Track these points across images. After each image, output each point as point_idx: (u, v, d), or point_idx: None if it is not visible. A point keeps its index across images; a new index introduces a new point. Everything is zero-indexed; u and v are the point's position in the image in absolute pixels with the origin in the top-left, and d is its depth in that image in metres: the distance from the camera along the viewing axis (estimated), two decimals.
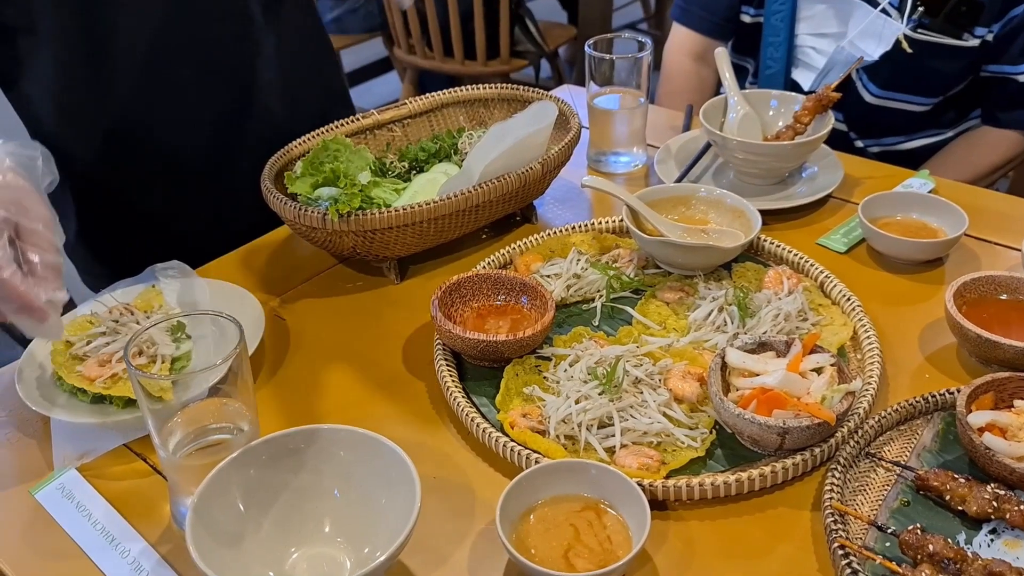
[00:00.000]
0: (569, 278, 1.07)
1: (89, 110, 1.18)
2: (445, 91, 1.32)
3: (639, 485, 0.77)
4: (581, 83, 1.39)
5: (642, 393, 0.89)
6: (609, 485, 0.78)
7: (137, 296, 1.04)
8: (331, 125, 1.23)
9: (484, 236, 1.19)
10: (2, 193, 0.80)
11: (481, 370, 0.96)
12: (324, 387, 0.97)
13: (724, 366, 0.88)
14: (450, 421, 0.91)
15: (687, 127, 1.45)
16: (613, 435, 0.85)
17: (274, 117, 1.27)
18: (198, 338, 0.98)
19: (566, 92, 1.57)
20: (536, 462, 0.82)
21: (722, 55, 1.34)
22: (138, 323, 0.98)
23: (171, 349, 0.93)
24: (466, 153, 1.24)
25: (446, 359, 0.95)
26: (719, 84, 1.73)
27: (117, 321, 0.97)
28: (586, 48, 1.29)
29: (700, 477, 0.81)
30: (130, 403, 0.89)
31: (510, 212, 1.18)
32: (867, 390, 0.88)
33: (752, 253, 1.11)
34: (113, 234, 1.32)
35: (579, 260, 1.09)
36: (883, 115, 1.55)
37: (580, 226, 1.16)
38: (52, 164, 0.88)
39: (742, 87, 1.72)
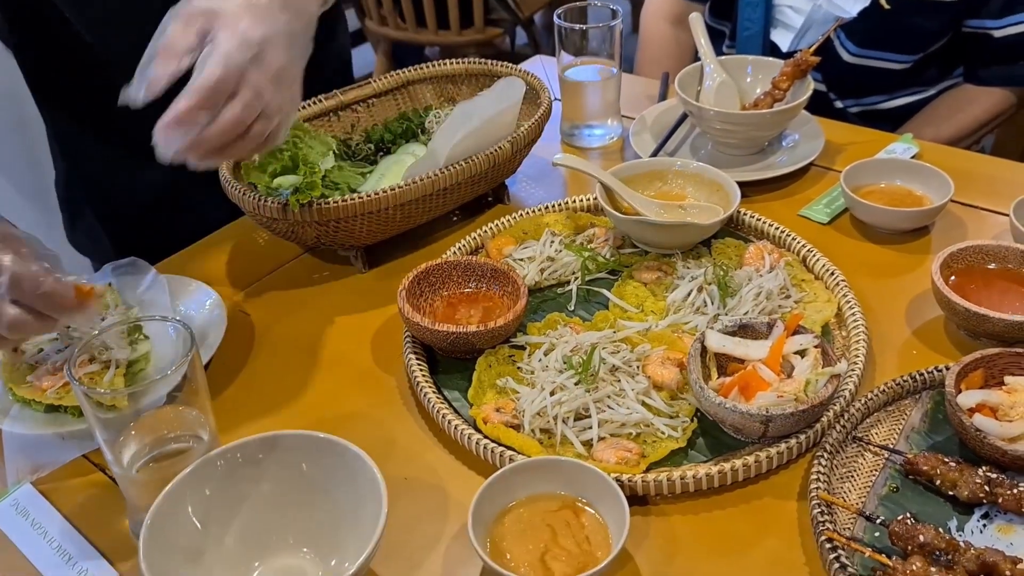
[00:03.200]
0: (543, 261, 1.03)
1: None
2: (411, 68, 1.27)
3: (617, 481, 0.74)
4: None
5: (619, 381, 0.86)
6: (586, 482, 0.75)
7: None
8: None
9: (455, 219, 1.15)
10: None
11: (453, 362, 0.92)
12: (290, 385, 0.93)
13: (704, 351, 0.84)
14: (421, 417, 0.88)
15: (663, 96, 1.41)
16: (590, 427, 0.82)
17: None
18: (157, 336, 0.94)
19: (538, 64, 1.53)
20: (511, 459, 0.79)
21: (696, 20, 1.29)
22: (92, 327, 0.93)
23: (126, 353, 0.89)
24: (433, 133, 1.19)
25: (415, 352, 0.92)
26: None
27: (69, 327, 0.93)
28: (555, 18, 1.23)
29: (681, 470, 0.77)
30: None
31: (481, 194, 1.14)
32: (853, 371, 0.84)
33: (732, 228, 1.07)
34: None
35: (553, 242, 1.05)
36: (862, 74, 1.51)
37: (553, 206, 1.12)
38: None
39: (719, 52, 1.68)
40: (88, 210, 1.33)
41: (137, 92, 0.76)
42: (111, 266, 1.03)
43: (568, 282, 1.02)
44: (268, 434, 0.74)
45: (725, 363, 0.85)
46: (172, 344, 0.87)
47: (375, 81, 1.26)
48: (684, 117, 1.28)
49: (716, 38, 1.72)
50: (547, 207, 1.11)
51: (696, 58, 1.67)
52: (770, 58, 1.27)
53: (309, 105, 1.20)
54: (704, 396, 0.79)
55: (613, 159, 1.27)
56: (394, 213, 1.01)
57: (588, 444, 0.82)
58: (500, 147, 1.06)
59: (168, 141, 0.75)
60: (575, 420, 0.83)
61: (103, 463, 0.85)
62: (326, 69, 1.29)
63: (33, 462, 0.85)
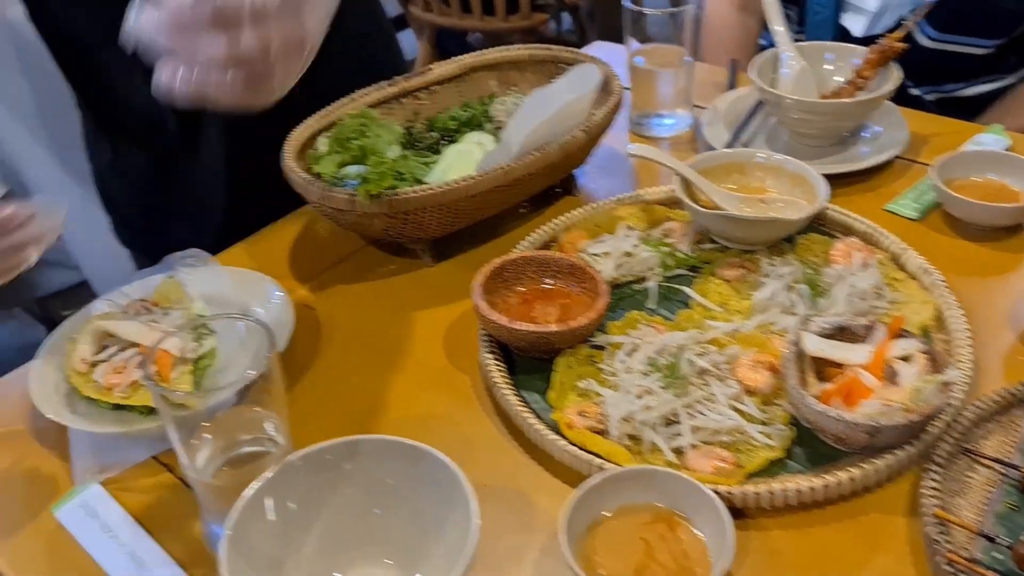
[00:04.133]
0: (620, 256, 0.98)
1: None
2: (473, 54, 1.23)
3: (715, 492, 0.70)
4: (603, 37, 1.30)
5: (709, 386, 0.81)
6: (682, 493, 0.71)
7: (155, 289, 0.96)
8: (354, 95, 1.14)
9: (522, 211, 1.11)
10: None
11: (530, 361, 0.89)
12: (360, 384, 0.89)
13: (800, 354, 0.80)
14: (499, 420, 0.84)
15: (732, 84, 1.35)
16: (680, 434, 0.78)
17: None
18: (223, 330, 0.91)
19: (598, 49, 1.48)
20: (599, 467, 0.75)
21: (772, 4, 1.23)
22: (156, 322, 0.90)
23: (192, 349, 0.86)
24: (500, 121, 1.15)
25: (492, 351, 0.88)
26: (761, 35, 1.63)
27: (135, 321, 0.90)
28: (625, 2, 1.19)
29: (781, 481, 0.73)
30: (153, 410, 0.83)
31: (550, 185, 1.10)
32: (961, 379, 0.79)
33: (816, 223, 1.02)
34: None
35: (629, 236, 1.00)
36: (941, 60, 1.44)
37: (627, 198, 1.07)
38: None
39: None
40: (131, 200, 1.31)
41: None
42: (173, 257, 1.00)
43: (645, 278, 0.98)
44: (349, 439, 0.71)
45: (822, 367, 0.80)
46: (239, 339, 0.84)
47: (437, 67, 1.22)
48: (759, 106, 1.22)
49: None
50: (620, 199, 1.07)
51: (760, 45, 1.63)
52: (851, 44, 1.21)
53: (372, 91, 1.16)
54: (804, 403, 0.75)
55: (683, 149, 1.23)
56: (466, 205, 0.98)
57: (678, 452, 0.77)
58: (574, 136, 1.02)
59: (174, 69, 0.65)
60: (663, 426, 0.79)
61: (171, 462, 0.82)
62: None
63: (101, 462, 0.82)
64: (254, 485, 0.67)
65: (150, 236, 1.31)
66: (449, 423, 0.84)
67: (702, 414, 0.79)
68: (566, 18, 3.50)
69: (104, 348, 0.88)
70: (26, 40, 1.53)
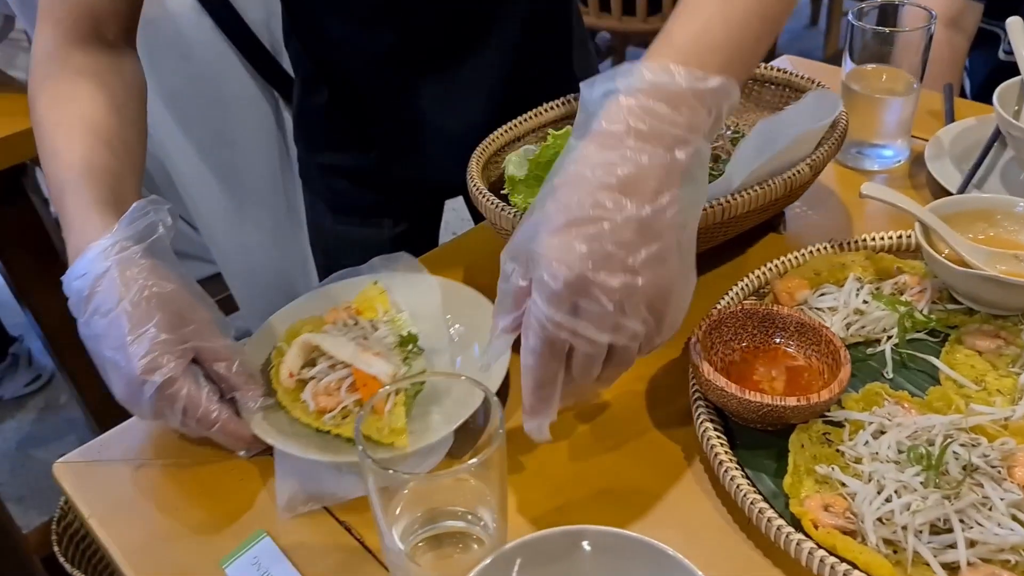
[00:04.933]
0: (848, 314, 0.86)
1: None
2: None
3: None
4: None
5: (982, 487, 0.68)
6: None
7: (358, 295, 0.88)
8: (544, 107, 1.04)
9: (723, 249, 0.99)
10: (161, 319, 0.71)
11: (752, 433, 0.77)
12: (558, 443, 0.79)
13: None
14: (720, 501, 0.73)
15: (950, 113, 1.20)
16: (952, 545, 0.65)
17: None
18: (432, 352, 0.82)
19: (784, 63, 1.34)
20: None
21: (1017, 25, 1.08)
22: (366, 338, 0.82)
23: (404, 376, 0.77)
24: (715, 147, 1.03)
25: (711, 420, 0.76)
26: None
27: (340, 332, 0.82)
28: (850, 17, 1.05)
29: None
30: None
31: (761, 222, 0.98)
32: None
33: None
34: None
35: (859, 291, 0.88)
36: None
37: (851, 243, 0.94)
38: (165, 212, 0.77)
39: (994, 60, 1.46)
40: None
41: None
42: (380, 260, 0.92)
43: (877, 341, 0.85)
44: (575, 528, 0.60)
45: None
46: (451, 357, 0.75)
47: None
48: (994, 140, 1.08)
49: (987, 43, 1.50)
50: (843, 244, 0.94)
51: (966, 68, 1.47)
52: None
53: (559, 106, 1.06)
54: None
55: (903, 187, 1.09)
56: None
57: (948, 568, 0.65)
58: (799, 171, 0.90)
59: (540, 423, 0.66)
60: (930, 534, 0.66)
61: (351, 523, 0.73)
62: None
63: (306, 491, 0.73)
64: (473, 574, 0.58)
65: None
66: (664, 504, 0.73)
67: (978, 524, 0.66)
68: None
69: (313, 363, 0.80)
70: (184, 32, 1.49)
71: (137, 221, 0.75)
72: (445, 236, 1.30)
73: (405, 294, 0.88)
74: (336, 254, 1.28)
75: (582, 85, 0.64)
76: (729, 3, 0.66)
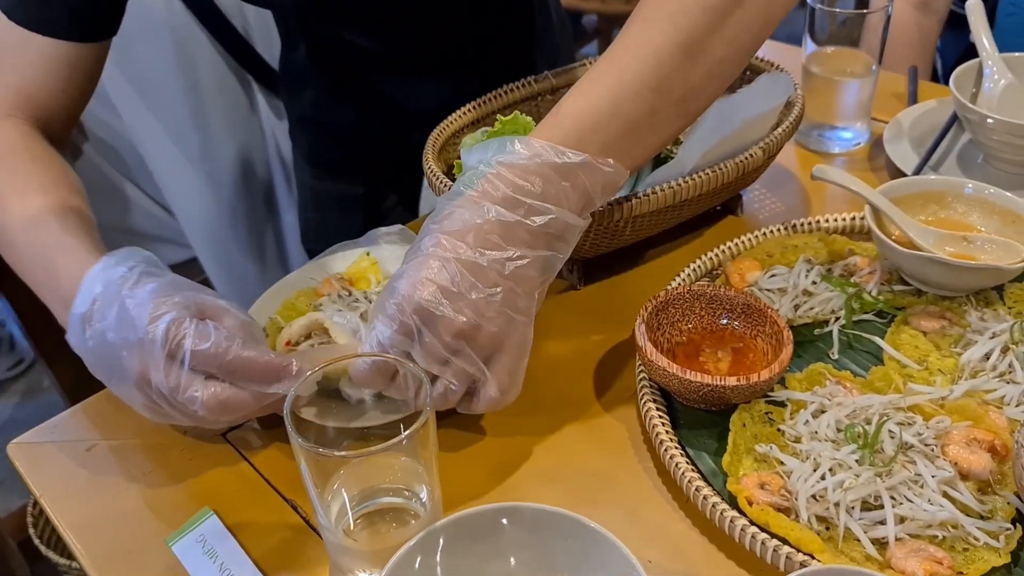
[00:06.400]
0: (797, 295, 0.87)
1: None
2: None
3: None
4: None
5: (915, 464, 0.69)
6: None
7: (350, 265, 0.89)
8: (500, 90, 1.05)
9: (679, 232, 1.00)
10: (159, 287, 0.72)
11: (695, 414, 0.78)
12: (502, 422, 0.80)
13: None
14: (661, 480, 0.74)
15: (914, 95, 1.21)
16: (883, 523, 0.66)
17: None
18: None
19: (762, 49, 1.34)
20: (786, 557, 0.64)
21: (977, 8, 1.09)
22: (358, 302, 0.83)
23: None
24: None
25: (655, 400, 0.77)
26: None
27: (335, 303, 0.83)
28: (810, 0, 1.06)
29: None
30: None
31: (715, 204, 0.98)
32: None
33: None
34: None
35: (808, 272, 0.88)
36: None
37: (803, 224, 0.95)
38: (148, 253, 0.77)
39: (965, 43, 1.46)
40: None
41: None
42: (377, 232, 0.93)
43: (826, 322, 0.86)
44: (506, 505, 0.61)
45: None
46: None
47: (589, 62, 1.11)
48: (952, 123, 1.08)
49: (960, 26, 1.50)
50: (795, 226, 0.95)
51: (936, 49, 1.48)
52: None
53: (518, 88, 1.06)
54: None
55: (860, 169, 1.09)
56: (625, 226, 0.87)
57: (879, 544, 0.66)
58: (752, 154, 0.90)
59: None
60: (861, 510, 0.67)
61: (297, 501, 0.74)
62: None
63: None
64: (398, 555, 0.58)
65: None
66: (606, 483, 0.74)
67: (908, 500, 0.67)
68: None
69: (309, 336, 0.80)
70: (156, 16, 1.49)
71: (122, 256, 0.74)
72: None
73: (397, 265, 0.89)
74: (316, 208, 1.35)
75: (463, 151, 0.71)
76: (620, 79, 0.70)
